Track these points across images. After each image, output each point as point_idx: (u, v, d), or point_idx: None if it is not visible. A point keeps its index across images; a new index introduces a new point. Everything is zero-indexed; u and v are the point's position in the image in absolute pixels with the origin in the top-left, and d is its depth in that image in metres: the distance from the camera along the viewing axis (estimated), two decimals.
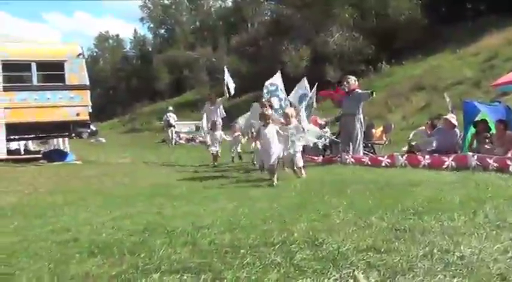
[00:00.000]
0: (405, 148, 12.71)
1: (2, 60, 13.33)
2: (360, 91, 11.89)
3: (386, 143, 14.46)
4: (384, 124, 15.94)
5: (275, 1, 44.02)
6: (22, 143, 18.50)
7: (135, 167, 13.17)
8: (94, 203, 6.70)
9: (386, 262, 3.26)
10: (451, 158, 9.22)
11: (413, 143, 13.03)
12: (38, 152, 17.25)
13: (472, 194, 5.83)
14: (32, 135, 16.14)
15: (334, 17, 34.57)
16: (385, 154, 11.36)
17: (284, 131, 8.72)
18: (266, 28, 43.57)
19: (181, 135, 30.97)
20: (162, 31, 78.41)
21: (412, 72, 28.88)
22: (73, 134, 16.56)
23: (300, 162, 8.87)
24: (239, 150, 13.64)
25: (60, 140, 18.05)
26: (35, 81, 14.34)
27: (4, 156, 13.38)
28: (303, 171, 8.90)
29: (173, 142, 27.78)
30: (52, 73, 14.61)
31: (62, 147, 17.76)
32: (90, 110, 15.20)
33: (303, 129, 9.22)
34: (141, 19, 75.53)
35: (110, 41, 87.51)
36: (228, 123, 14.77)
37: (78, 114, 14.85)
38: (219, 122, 13.51)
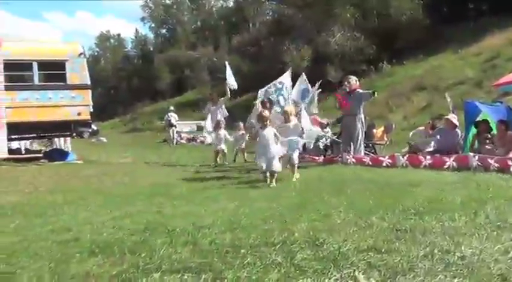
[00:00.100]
0: (405, 149, 12.70)
1: (3, 60, 13.33)
2: (361, 91, 11.87)
3: (387, 143, 14.45)
4: (385, 124, 15.93)
5: (276, 1, 43.99)
6: (23, 142, 18.56)
7: (136, 167, 13.16)
8: (94, 202, 6.70)
9: (387, 262, 3.26)
10: (452, 159, 9.21)
11: (412, 143, 13.06)
12: (39, 152, 17.26)
13: (473, 194, 5.83)
14: (33, 135, 16.18)
15: (335, 17, 34.57)
16: (386, 154, 11.36)
17: (283, 129, 8.66)
18: (267, 28, 43.55)
19: (183, 135, 30.98)
20: (164, 31, 78.49)
21: (414, 72, 28.87)
22: (74, 134, 16.59)
23: (295, 161, 8.75)
24: (243, 146, 13.68)
25: (62, 139, 18.08)
26: (36, 81, 14.36)
27: (5, 155, 13.38)
28: (295, 170, 8.76)
29: (174, 142, 27.78)
30: (53, 72, 14.62)
31: (63, 147, 17.78)
32: (92, 110, 15.19)
33: (302, 129, 9.14)
34: (143, 19, 75.68)
35: (111, 40, 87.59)
36: (231, 122, 14.77)
37: (79, 114, 14.85)
38: (223, 121, 13.51)
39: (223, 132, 13.25)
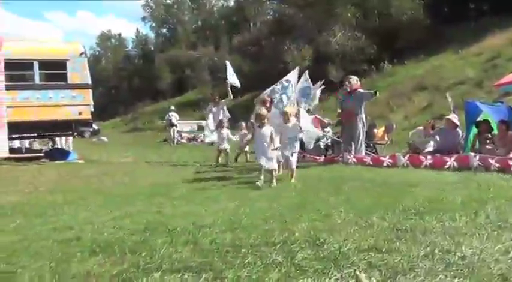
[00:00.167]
0: (405, 150, 12.69)
1: (4, 59, 13.33)
2: (362, 91, 11.87)
3: (388, 143, 14.45)
4: (386, 124, 15.92)
5: (277, 0, 44.01)
6: (24, 141, 18.56)
7: (137, 167, 13.16)
8: (94, 202, 6.70)
9: (387, 262, 3.26)
10: (453, 158, 9.21)
11: (410, 142, 13.08)
12: (40, 151, 17.27)
13: (474, 194, 5.82)
14: (34, 134, 16.19)
15: (336, 16, 34.57)
16: (387, 154, 11.35)
17: (282, 130, 8.59)
18: (268, 27, 43.58)
19: (183, 134, 31.02)
20: (164, 30, 78.55)
21: (414, 72, 28.87)
22: (75, 133, 16.60)
23: (293, 165, 8.61)
24: (247, 149, 13.63)
25: (64, 139, 18.09)
26: (37, 80, 14.37)
27: (6, 154, 13.39)
28: (294, 173, 8.58)
29: (175, 141, 27.79)
30: (54, 72, 14.63)
31: (64, 147, 17.79)
32: (92, 109, 15.20)
33: (300, 128, 9.01)
34: (143, 18, 75.76)
35: (112, 40, 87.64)
36: (233, 122, 14.74)
37: (80, 113, 14.86)
38: (225, 120, 13.47)
39: (226, 131, 13.20)
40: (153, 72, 65.66)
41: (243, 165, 12.69)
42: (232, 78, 13.82)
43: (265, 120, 8.31)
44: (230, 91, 13.67)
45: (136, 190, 8.02)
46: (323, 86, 14.06)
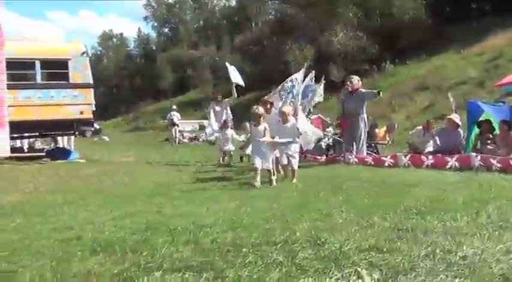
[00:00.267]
0: (406, 150, 12.69)
1: (6, 58, 13.33)
2: (364, 90, 11.86)
3: (390, 143, 14.44)
4: (388, 124, 15.92)
5: (279, 0, 43.94)
6: (25, 141, 18.58)
7: (138, 166, 13.17)
8: (94, 202, 6.71)
9: (388, 262, 3.25)
10: (454, 159, 9.20)
11: (410, 142, 13.10)
12: (41, 150, 17.28)
13: (475, 194, 5.82)
14: (36, 134, 16.20)
15: (338, 16, 34.55)
16: (389, 154, 11.35)
17: (280, 130, 8.50)
18: (270, 27, 43.51)
19: (185, 134, 31.03)
20: (166, 30, 78.62)
21: (416, 72, 28.84)
22: (77, 133, 16.61)
23: (295, 166, 8.54)
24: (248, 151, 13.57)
25: (66, 138, 18.10)
26: (38, 80, 14.38)
27: (8, 154, 13.39)
28: (296, 174, 8.53)
29: (177, 141, 27.79)
30: (56, 71, 14.65)
31: (66, 146, 17.80)
32: (94, 109, 15.21)
33: (298, 129, 8.83)
34: (145, 18, 75.77)
35: (114, 39, 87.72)
36: (236, 122, 14.71)
37: (81, 113, 14.87)
38: (230, 121, 13.39)
39: (230, 131, 13.16)
40: (154, 71, 65.74)
41: (247, 165, 12.67)
42: (236, 78, 13.80)
43: (262, 119, 8.23)
44: (235, 90, 13.61)
45: (137, 190, 8.03)
46: (324, 81, 13.95)
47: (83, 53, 15.16)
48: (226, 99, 13.82)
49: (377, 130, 14.74)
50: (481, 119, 11.14)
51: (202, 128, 28.29)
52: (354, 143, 11.47)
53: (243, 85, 13.95)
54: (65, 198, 7.17)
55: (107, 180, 9.74)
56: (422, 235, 3.91)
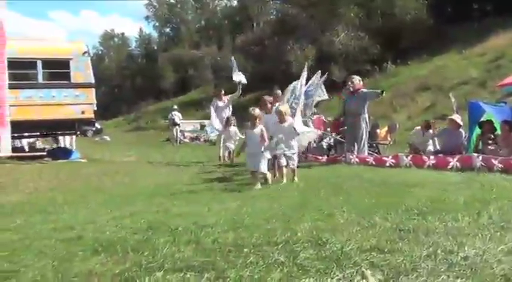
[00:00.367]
0: (407, 150, 12.70)
1: (7, 58, 13.34)
2: (365, 90, 11.84)
3: (391, 143, 14.44)
4: (389, 124, 15.92)
5: (281, 0, 44.00)
6: (25, 140, 18.59)
7: (139, 166, 13.18)
8: (95, 200, 6.72)
9: (390, 262, 3.25)
10: (455, 159, 9.19)
11: (410, 142, 13.10)
12: (42, 150, 17.30)
13: (477, 195, 5.81)
14: (37, 133, 16.20)
15: (339, 16, 34.57)
16: (390, 154, 11.34)
17: (277, 130, 8.36)
18: (271, 27, 43.56)
19: (186, 134, 31.05)
20: (168, 30, 78.75)
21: (418, 73, 28.84)
22: (78, 132, 16.62)
23: (294, 165, 8.40)
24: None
25: (67, 138, 18.11)
26: (40, 79, 14.39)
27: (9, 153, 13.41)
28: (295, 176, 8.40)
29: (178, 141, 27.82)
30: (57, 71, 14.67)
31: (68, 145, 17.81)
32: (95, 108, 15.23)
33: (295, 129, 8.61)
34: (147, 17, 75.90)
35: (115, 39, 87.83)
36: (241, 122, 14.62)
37: (83, 112, 14.88)
38: (233, 118, 13.21)
39: (233, 129, 12.98)
40: (156, 71, 65.82)
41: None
42: (238, 76, 13.73)
43: (258, 121, 8.07)
44: (240, 87, 13.51)
45: (138, 190, 8.04)
46: (325, 76, 13.82)
47: (85, 52, 15.18)
48: (230, 96, 13.69)
49: (378, 130, 14.74)
50: (482, 119, 11.13)
51: (203, 127, 28.29)
52: (356, 143, 11.46)
53: (245, 82, 13.86)
54: (65, 198, 7.17)
55: (108, 180, 9.74)
56: (424, 235, 3.90)
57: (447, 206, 5.13)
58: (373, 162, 10.66)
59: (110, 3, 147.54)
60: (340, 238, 3.87)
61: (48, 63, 14.49)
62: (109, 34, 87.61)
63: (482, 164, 8.66)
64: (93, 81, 15.19)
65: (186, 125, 32.11)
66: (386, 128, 15.21)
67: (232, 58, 14.68)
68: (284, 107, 8.87)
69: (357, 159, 10.98)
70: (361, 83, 12.07)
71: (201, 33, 71.11)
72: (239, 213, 5.20)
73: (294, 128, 8.56)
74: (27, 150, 17.81)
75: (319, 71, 13.13)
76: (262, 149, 7.89)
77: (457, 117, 11.93)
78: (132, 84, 73.11)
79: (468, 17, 33.37)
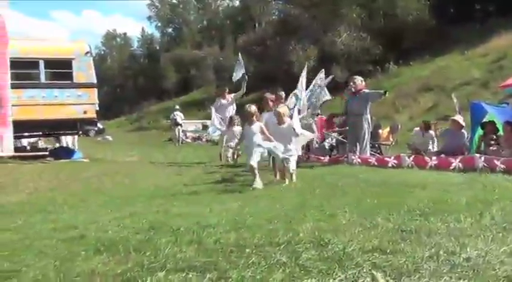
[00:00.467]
0: (409, 151, 12.69)
1: (10, 58, 13.35)
2: (367, 91, 11.83)
3: (393, 143, 14.43)
4: (391, 124, 15.92)
5: (283, 0, 44.00)
6: (26, 140, 18.59)
7: (142, 166, 13.18)
8: (95, 202, 6.72)
9: (392, 263, 3.24)
10: (458, 160, 9.17)
11: (410, 143, 13.10)
12: (44, 150, 17.31)
13: (479, 195, 5.80)
14: (39, 133, 16.22)
15: (342, 17, 34.56)
16: (392, 155, 11.33)
17: (276, 131, 8.25)
18: (273, 27, 43.55)
19: (188, 134, 31.06)
20: (170, 30, 78.79)
21: (420, 73, 28.82)
22: (80, 132, 16.63)
23: (293, 166, 8.25)
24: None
25: (70, 137, 18.13)
26: (42, 79, 14.41)
27: (11, 153, 13.42)
28: (294, 177, 8.27)
29: (180, 141, 27.82)
30: (60, 71, 14.68)
31: (70, 145, 17.82)
32: (98, 108, 15.24)
33: (294, 130, 8.50)
34: (149, 18, 75.93)
35: (118, 39, 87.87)
36: (244, 121, 14.51)
37: (85, 112, 14.90)
38: (237, 117, 13.03)
39: (237, 129, 12.69)
40: (158, 71, 65.86)
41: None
42: (237, 74, 13.68)
43: (255, 117, 8.05)
44: (245, 85, 13.43)
45: (142, 191, 8.04)
46: (330, 78, 13.77)
47: (87, 52, 15.20)
48: (234, 94, 13.60)
49: (380, 131, 14.74)
50: (484, 120, 11.12)
51: (205, 128, 28.29)
52: (358, 144, 11.45)
53: (246, 79, 13.78)
54: (65, 198, 7.17)
55: (110, 181, 9.75)
56: (426, 236, 3.89)
57: (449, 206, 5.12)
58: (375, 163, 10.65)
59: (112, 3, 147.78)
60: (342, 239, 3.86)
61: (50, 63, 14.51)
62: (111, 34, 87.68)
63: (485, 164, 8.64)
64: (95, 81, 15.20)
65: (188, 125, 32.13)
66: (388, 129, 15.21)
67: (240, 56, 14.61)
68: (283, 109, 8.80)
69: (359, 160, 10.98)
70: (363, 83, 12.06)
71: (203, 34, 71.15)
72: (241, 214, 5.20)
73: (294, 129, 8.48)
74: (28, 148, 17.80)
75: (323, 70, 13.12)
76: (257, 142, 7.82)
77: (459, 118, 11.93)
78: (134, 84, 73.15)
79: (470, 17, 33.34)
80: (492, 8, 34.84)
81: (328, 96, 13.43)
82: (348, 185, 7.45)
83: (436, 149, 12.75)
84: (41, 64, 14.28)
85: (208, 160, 14.01)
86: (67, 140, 18.25)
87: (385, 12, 35.45)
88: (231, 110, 13.28)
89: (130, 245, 3.94)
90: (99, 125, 30.22)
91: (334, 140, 13.80)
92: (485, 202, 5.26)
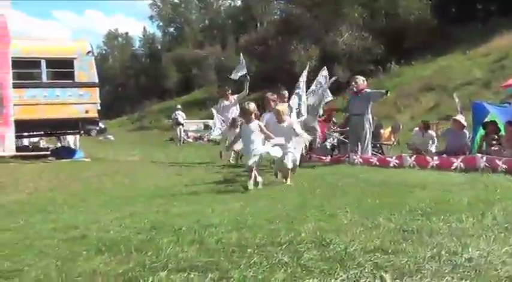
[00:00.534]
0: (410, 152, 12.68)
1: (12, 57, 13.35)
2: (369, 90, 11.83)
3: (395, 143, 14.42)
4: (393, 124, 15.90)
5: (284, 0, 44.00)
6: (26, 139, 18.60)
7: (144, 165, 13.18)
8: (95, 202, 6.71)
9: (393, 263, 3.24)
10: (459, 160, 9.17)
11: (410, 143, 13.09)
12: (46, 149, 17.32)
13: (481, 195, 5.79)
14: (41, 132, 16.22)
15: (343, 16, 34.56)
16: (394, 155, 11.33)
17: (276, 130, 8.10)
18: (275, 27, 43.58)
19: (190, 133, 31.08)
20: (171, 29, 78.83)
21: (422, 73, 28.80)
22: (82, 131, 16.63)
23: (290, 164, 8.10)
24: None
25: (72, 137, 18.13)
26: (44, 79, 14.41)
27: (13, 152, 13.42)
28: (289, 179, 8.12)
29: (181, 140, 27.82)
30: (61, 70, 14.69)
31: (72, 145, 17.82)
32: (99, 108, 15.22)
33: (294, 130, 8.35)
34: (151, 17, 75.94)
35: (119, 38, 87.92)
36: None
37: (87, 112, 14.89)
38: (240, 119, 12.96)
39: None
40: (159, 71, 65.88)
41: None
42: (236, 73, 13.65)
43: (253, 115, 7.89)
44: (247, 86, 13.39)
45: (141, 190, 8.03)
46: (333, 79, 13.73)
47: (89, 52, 15.18)
48: (237, 95, 13.54)
49: (382, 131, 14.73)
50: (486, 120, 11.11)
51: (207, 127, 28.32)
52: (359, 144, 11.44)
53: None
54: (66, 197, 7.17)
55: (111, 180, 9.75)
56: (428, 236, 3.88)
57: (451, 206, 5.12)
58: (377, 163, 10.64)
59: (114, 3, 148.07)
60: (344, 239, 3.86)
61: (52, 63, 14.51)
62: (113, 34, 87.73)
63: (486, 164, 8.63)
64: (97, 80, 15.19)
65: (190, 125, 32.14)
66: (390, 129, 15.20)
67: (241, 57, 14.58)
68: (282, 107, 8.73)
69: (360, 160, 10.97)
70: (365, 83, 12.05)
71: (204, 33, 71.16)
72: (242, 214, 5.20)
73: (294, 129, 8.37)
74: (31, 148, 17.81)
75: (325, 67, 13.09)
76: (256, 143, 7.69)
77: (461, 118, 11.92)
78: (136, 83, 73.18)
79: (472, 17, 33.30)
80: (494, 7, 34.83)
81: (330, 97, 13.44)
82: (349, 185, 7.45)
83: (436, 149, 12.74)
84: (43, 64, 14.28)
85: (209, 160, 14.00)
86: (68, 140, 18.25)
87: (387, 11, 35.44)
88: (234, 111, 13.16)
89: (132, 245, 3.94)
90: (101, 125, 30.23)
91: (335, 140, 13.79)
92: (487, 202, 5.25)
